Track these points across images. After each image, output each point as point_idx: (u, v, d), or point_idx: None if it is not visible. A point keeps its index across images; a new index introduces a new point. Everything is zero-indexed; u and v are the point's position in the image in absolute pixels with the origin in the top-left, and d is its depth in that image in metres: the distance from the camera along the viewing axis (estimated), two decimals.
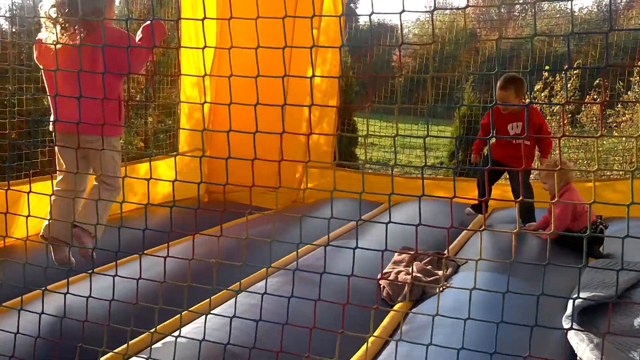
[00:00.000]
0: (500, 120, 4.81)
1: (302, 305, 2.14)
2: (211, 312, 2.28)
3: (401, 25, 1.89)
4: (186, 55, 6.00)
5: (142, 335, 2.56)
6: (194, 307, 2.91)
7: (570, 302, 2.85)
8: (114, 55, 2.96)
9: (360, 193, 1.81)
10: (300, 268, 3.45)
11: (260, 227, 4.59)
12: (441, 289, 3.11)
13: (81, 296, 2.23)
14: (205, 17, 1.90)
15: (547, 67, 9.06)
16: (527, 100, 4.89)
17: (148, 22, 3.29)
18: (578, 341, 2.48)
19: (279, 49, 1.84)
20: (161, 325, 2.65)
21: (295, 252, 3.90)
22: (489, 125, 4.94)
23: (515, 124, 4.80)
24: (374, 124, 9.36)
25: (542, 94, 9.56)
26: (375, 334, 2.70)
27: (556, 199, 3.82)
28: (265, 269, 3.23)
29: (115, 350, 2.41)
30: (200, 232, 4.13)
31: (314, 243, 3.73)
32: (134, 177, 2.23)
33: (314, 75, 2.20)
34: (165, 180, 2.13)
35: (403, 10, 1.83)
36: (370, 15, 1.84)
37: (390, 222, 1.69)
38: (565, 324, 2.72)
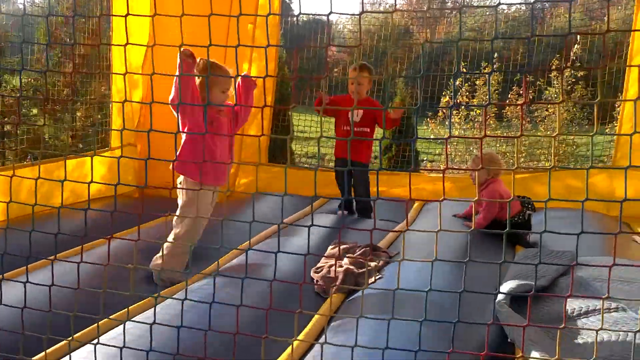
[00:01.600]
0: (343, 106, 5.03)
1: (230, 308, 2.12)
2: (131, 319, 2.18)
3: (328, 23, 1.91)
4: (117, 50, 5.86)
5: (59, 344, 2.44)
6: (114, 315, 2.75)
7: (503, 287, 2.97)
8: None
9: (283, 195, 1.82)
10: (227, 270, 3.46)
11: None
12: (370, 283, 3.18)
13: None
14: (128, 14, 1.87)
15: (463, 68, 9.34)
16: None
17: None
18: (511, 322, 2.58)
19: (211, 44, 1.80)
20: (79, 333, 2.52)
21: (228, 253, 3.89)
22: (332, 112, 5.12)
23: (355, 112, 4.98)
24: (311, 119, 9.39)
25: (464, 89, 9.89)
26: (309, 327, 2.73)
27: (477, 197, 3.99)
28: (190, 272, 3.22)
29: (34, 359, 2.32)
30: (124, 230, 4.09)
31: (239, 247, 3.68)
32: (46, 179, 2.16)
33: (237, 75, 2.20)
34: (80, 182, 2.06)
35: (331, 12, 1.87)
36: (297, 16, 1.86)
37: (312, 225, 1.70)
38: (497, 308, 2.81)
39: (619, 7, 8.69)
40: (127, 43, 1.90)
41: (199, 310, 2.38)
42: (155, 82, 1.91)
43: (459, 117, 10.02)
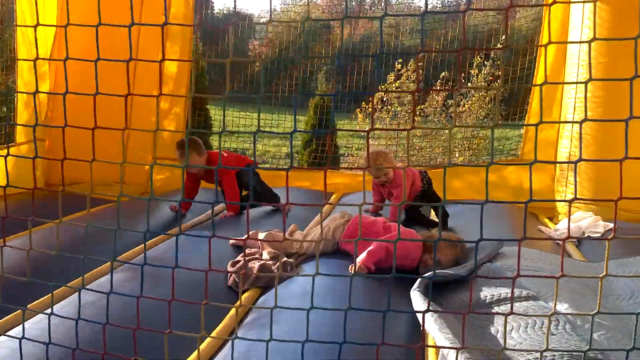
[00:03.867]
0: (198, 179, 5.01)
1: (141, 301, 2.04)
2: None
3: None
4: (23, 38, 5.53)
5: None
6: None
7: (419, 279, 3.01)
8: None
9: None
10: (139, 263, 3.33)
11: (104, 220, 4.36)
12: (287, 277, 3.15)
13: None
14: None
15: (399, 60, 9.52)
16: None
17: None
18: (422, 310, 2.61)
19: (125, 34, 1.66)
20: None
21: (141, 245, 3.77)
22: None
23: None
24: (229, 114, 9.25)
25: (394, 85, 10.02)
26: (224, 322, 2.67)
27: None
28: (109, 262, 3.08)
29: None
30: (36, 227, 3.87)
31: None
32: None
33: (164, 59, 2.05)
34: None
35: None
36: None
37: (214, 235, 1.64)
38: (412, 295, 2.84)
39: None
40: (38, 24, 1.74)
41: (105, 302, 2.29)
42: (63, 74, 1.75)
43: (389, 113, 10.14)
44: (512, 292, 1.60)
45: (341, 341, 1.69)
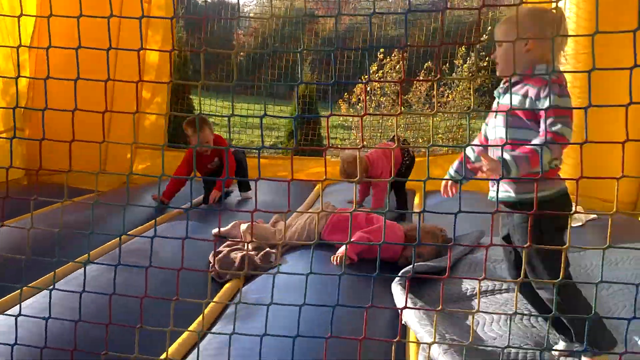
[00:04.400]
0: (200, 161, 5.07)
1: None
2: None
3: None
4: (1, 25, 5.44)
5: None
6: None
7: (402, 270, 3.03)
8: None
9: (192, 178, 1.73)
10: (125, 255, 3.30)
11: (85, 212, 4.31)
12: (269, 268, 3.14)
13: None
14: None
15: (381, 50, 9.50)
16: None
17: None
18: (403, 304, 2.62)
19: (104, 24, 1.65)
20: None
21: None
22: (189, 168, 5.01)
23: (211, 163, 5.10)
24: (212, 104, 9.20)
25: (377, 75, 10.00)
26: (205, 312, 2.66)
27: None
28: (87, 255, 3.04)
29: None
30: (8, 220, 3.81)
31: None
32: None
33: (142, 48, 2.03)
34: None
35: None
36: None
37: (187, 236, 1.62)
38: (394, 289, 2.85)
39: None
40: (22, 14, 1.72)
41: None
42: (44, 64, 1.73)
43: (372, 103, 10.12)
44: (479, 290, 1.60)
45: (325, 335, 1.70)
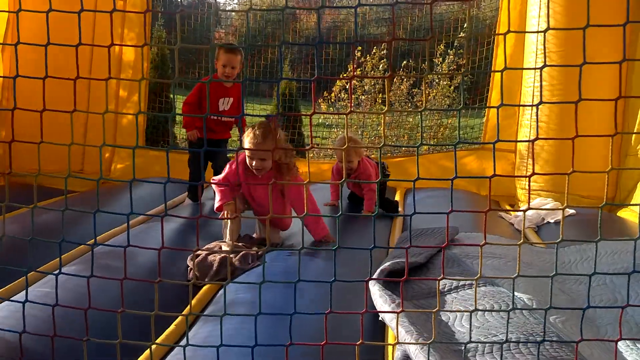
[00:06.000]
0: (212, 94, 4.63)
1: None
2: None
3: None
4: None
5: None
6: None
7: (381, 266, 3.03)
8: None
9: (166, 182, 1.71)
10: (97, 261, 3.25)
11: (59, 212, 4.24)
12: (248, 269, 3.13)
13: None
14: None
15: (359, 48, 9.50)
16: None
17: None
18: (382, 303, 2.62)
19: (77, 21, 1.61)
20: None
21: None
22: (196, 103, 4.64)
23: (226, 99, 4.70)
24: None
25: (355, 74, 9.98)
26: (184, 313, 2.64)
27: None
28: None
29: None
30: None
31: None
32: None
33: (112, 44, 1.99)
34: None
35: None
36: None
37: (163, 246, 1.60)
38: (371, 286, 2.85)
39: None
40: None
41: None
42: (21, 58, 1.70)
43: (352, 102, 10.11)
44: (438, 291, 1.60)
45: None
